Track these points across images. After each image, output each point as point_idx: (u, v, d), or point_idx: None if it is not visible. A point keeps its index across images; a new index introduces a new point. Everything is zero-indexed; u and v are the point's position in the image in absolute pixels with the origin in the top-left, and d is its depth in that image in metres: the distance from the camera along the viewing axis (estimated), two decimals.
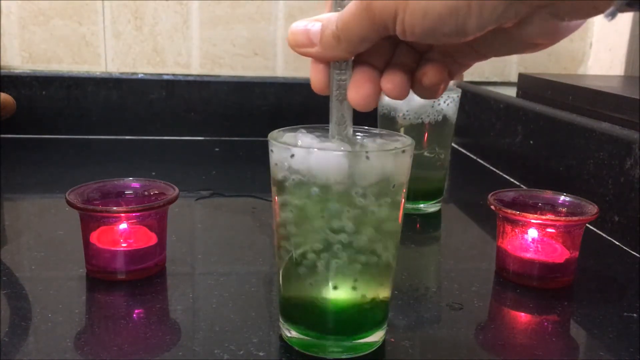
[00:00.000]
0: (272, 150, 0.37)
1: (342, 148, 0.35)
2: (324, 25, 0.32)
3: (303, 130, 0.39)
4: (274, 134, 0.38)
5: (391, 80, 0.33)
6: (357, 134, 0.38)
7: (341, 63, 0.34)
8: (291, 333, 0.39)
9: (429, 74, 0.33)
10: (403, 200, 0.37)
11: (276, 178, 0.37)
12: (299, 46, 0.33)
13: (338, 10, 0.32)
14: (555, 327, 0.45)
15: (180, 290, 0.47)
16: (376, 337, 0.39)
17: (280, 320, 0.40)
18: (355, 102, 0.33)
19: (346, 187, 0.34)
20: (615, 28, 1.01)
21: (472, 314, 0.45)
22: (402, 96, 0.33)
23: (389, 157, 0.35)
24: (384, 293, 0.38)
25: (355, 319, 0.38)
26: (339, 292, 0.37)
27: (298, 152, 0.35)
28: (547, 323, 0.45)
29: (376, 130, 0.40)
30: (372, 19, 0.29)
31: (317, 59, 0.34)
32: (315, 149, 0.35)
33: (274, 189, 0.38)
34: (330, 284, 0.36)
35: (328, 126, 0.36)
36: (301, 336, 0.38)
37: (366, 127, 0.40)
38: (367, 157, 0.34)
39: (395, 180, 0.36)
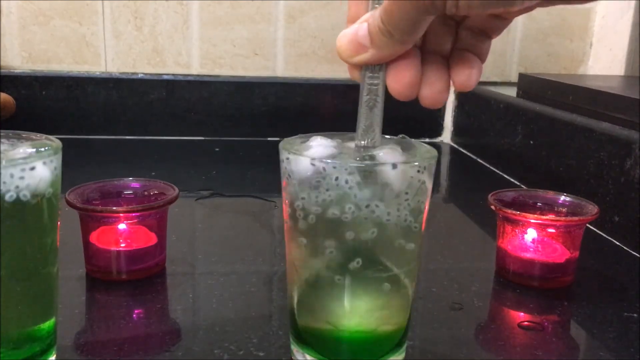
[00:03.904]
0: (289, 165, 0.34)
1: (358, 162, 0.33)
2: (370, 25, 0.30)
3: (317, 141, 0.36)
4: (294, 148, 0.35)
5: (433, 86, 0.32)
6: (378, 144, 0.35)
7: (374, 65, 0.31)
8: (305, 357, 0.37)
9: (457, 81, 0.32)
10: (425, 217, 0.35)
11: (291, 197, 0.34)
12: (352, 55, 0.31)
13: (376, 8, 0.30)
14: (555, 327, 0.45)
15: (180, 290, 0.47)
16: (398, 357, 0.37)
17: (293, 343, 0.38)
18: (397, 92, 0.31)
19: (363, 204, 0.32)
20: (616, 28, 1.01)
21: (472, 314, 0.45)
22: (438, 104, 0.32)
23: (409, 171, 0.33)
24: (402, 316, 0.37)
25: (372, 342, 0.36)
26: (354, 315, 0.35)
27: (317, 167, 0.32)
28: (547, 323, 0.45)
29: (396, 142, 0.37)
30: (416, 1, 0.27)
31: (376, 61, 0.31)
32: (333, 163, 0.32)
33: (286, 208, 0.35)
34: (346, 306, 0.35)
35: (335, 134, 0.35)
36: None
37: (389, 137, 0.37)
38: (399, 175, 0.32)
39: (415, 193, 0.34)
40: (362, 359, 0.36)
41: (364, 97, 0.32)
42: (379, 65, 0.32)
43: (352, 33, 0.31)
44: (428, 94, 0.32)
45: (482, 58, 0.33)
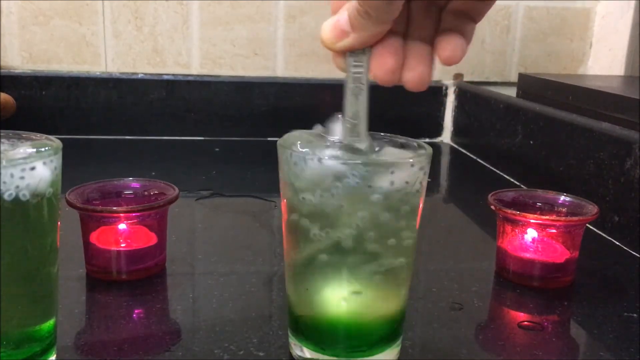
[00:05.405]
0: (289, 159, 0.35)
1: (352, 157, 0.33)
2: (349, 9, 0.31)
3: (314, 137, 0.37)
4: (291, 143, 0.36)
5: (416, 69, 0.32)
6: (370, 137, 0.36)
7: (357, 53, 0.32)
8: (303, 351, 0.37)
9: (443, 56, 0.32)
10: (420, 208, 0.36)
11: (289, 186, 0.35)
12: (336, 42, 0.32)
13: None
14: (555, 327, 0.45)
15: (180, 290, 0.47)
16: (390, 354, 0.38)
17: (291, 337, 0.39)
18: (380, 78, 0.32)
19: (359, 194, 0.33)
20: (616, 28, 1.01)
21: (472, 314, 0.45)
22: (424, 85, 0.33)
23: (403, 168, 0.33)
24: (396, 305, 0.37)
25: (366, 329, 0.36)
26: (349, 302, 0.35)
27: (314, 161, 0.33)
28: (547, 323, 0.45)
29: (388, 137, 0.38)
30: None
31: (358, 45, 0.32)
32: (327, 158, 0.33)
33: (285, 199, 0.36)
34: (341, 293, 0.35)
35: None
36: (315, 353, 0.37)
37: (382, 134, 0.38)
38: (392, 172, 0.33)
39: (408, 190, 0.34)
40: (356, 346, 0.36)
41: (350, 86, 0.33)
42: (362, 52, 0.32)
43: (334, 20, 0.32)
44: (410, 78, 0.33)
45: (466, 39, 0.33)
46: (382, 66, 0.33)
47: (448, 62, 0.33)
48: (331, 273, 0.35)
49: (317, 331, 0.37)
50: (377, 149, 0.36)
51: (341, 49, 0.33)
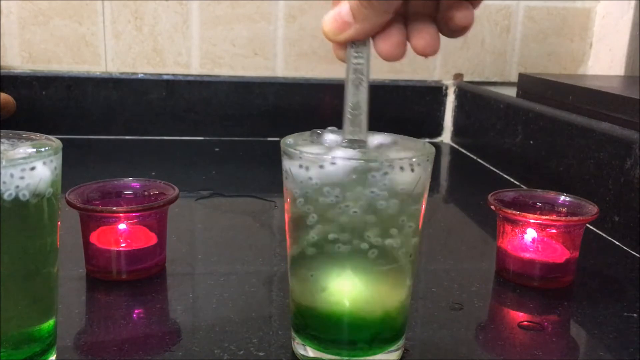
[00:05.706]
0: (290, 159, 0.35)
1: (356, 156, 0.33)
2: (350, 1, 0.32)
3: (314, 136, 0.37)
4: (291, 143, 0.36)
5: (422, 36, 0.33)
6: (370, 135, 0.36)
7: (358, 45, 0.33)
8: (306, 350, 0.37)
9: (457, 16, 0.32)
10: (423, 207, 0.36)
11: (291, 187, 0.35)
12: (338, 33, 0.33)
13: None
14: (555, 327, 0.45)
15: (180, 290, 0.47)
16: (393, 354, 0.38)
17: (295, 336, 0.39)
18: (385, 52, 0.33)
19: (363, 193, 0.33)
20: (616, 28, 1.01)
21: (472, 314, 0.45)
22: (435, 50, 0.33)
23: (406, 167, 0.33)
24: (399, 304, 0.37)
25: (369, 324, 0.36)
26: (352, 300, 0.35)
27: (318, 162, 0.33)
28: (547, 323, 0.45)
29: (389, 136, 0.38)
30: None
31: (361, 36, 0.32)
32: (330, 158, 0.33)
33: (287, 198, 0.36)
34: (343, 291, 0.35)
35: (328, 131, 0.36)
36: (318, 352, 0.37)
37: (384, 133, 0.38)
38: (395, 170, 0.33)
39: (411, 189, 0.34)
40: (359, 345, 0.36)
41: (350, 77, 0.34)
42: (363, 43, 0.33)
43: (336, 12, 0.32)
44: (420, 42, 0.33)
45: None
46: (386, 41, 0.33)
47: (462, 23, 0.33)
48: (333, 272, 0.35)
49: (320, 330, 0.37)
50: (381, 146, 0.37)
51: (343, 40, 0.33)
